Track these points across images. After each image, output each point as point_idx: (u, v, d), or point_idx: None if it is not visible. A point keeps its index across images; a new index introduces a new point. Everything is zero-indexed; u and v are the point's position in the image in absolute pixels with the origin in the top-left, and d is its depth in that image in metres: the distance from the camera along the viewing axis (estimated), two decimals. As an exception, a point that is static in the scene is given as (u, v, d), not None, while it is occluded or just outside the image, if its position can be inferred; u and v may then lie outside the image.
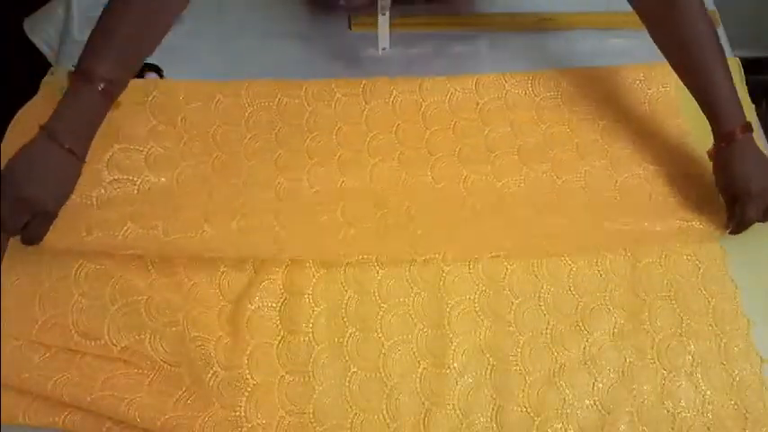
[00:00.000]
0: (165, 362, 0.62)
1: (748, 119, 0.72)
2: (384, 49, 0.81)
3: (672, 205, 0.76)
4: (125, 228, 0.64)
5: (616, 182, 0.77)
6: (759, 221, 0.71)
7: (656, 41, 0.74)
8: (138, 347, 0.62)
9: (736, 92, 0.71)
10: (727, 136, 0.70)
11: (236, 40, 0.83)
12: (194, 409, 0.61)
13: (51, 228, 0.62)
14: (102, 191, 0.69)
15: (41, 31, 0.83)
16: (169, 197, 0.70)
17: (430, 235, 0.70)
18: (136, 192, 0.70)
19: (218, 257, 0.67)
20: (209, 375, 0.62)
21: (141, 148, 0.72)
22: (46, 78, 0.76)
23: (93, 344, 0.62)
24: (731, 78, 0.71)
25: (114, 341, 0.62)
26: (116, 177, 0.70)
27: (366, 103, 0.79)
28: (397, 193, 0.74)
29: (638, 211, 0.74)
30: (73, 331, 0.62)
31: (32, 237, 0.61)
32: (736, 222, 0.71)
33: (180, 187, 0.71)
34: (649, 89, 0.84)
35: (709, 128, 0.73)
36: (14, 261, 0.65)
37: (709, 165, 0.75)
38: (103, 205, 0.68)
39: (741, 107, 0.71)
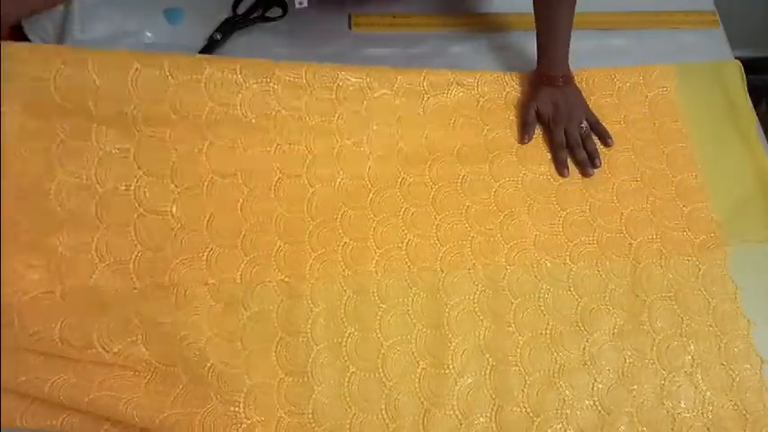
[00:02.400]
0: (159, 362, 0.62)
1: (746, 118, 0.75)
2: (301, 3, 0.79)
3: (668, 211, 0.76)
4: (136, 252, 0.65)
5: (613, 185, 0.77)
6: (564, 143, 0.78)
7: None
8: (131, 350, 0.61)
9: (568, 49, 0.79)
10: (550, 79, 0.79)
11: (235, 41, 0.83)
12: (193, 406, 0.61)
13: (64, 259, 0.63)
14: (99, 198, 0.65)
15: (41, 30, 0.82)
16: (167, 198, 0.68)
17: (426, 245, 0.71)
18: (135, 201, 0.66)
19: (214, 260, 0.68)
20: (206, 368, 0.62)
21: (129, 144, 0.67)
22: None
23: (83, 353, 0.61)
24: (570, 38, 0.78)
25: (106, 348, 0.61)
26: (108, 187, 0.66)
27: (370, 90, 0.76)
28: (396, 194, 0.74)
29: (635, 217, 0.75)
30: (59, 344, 0.60)
31: None
32: (551, 149, 0.78)
33: (176, 185, 0.68)
34: (649, 92, 0.83)
35: (709, 132, 0.77)
36: None
37: (707, 169, 0.77)
38: (107, 219, 0.65)
39: (567, 62, 0.80)
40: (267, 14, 0.85)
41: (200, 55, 0.75)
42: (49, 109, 0.63)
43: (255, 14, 0.85)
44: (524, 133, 0.78)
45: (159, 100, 0.66)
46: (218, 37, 0.82)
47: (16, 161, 0.62)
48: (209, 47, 0.81)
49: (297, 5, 0.79)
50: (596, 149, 0.78)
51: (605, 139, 0.79)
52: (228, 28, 0.83)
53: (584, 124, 0.79)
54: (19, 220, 0.62)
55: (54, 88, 0.63)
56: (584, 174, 0.77)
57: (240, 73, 0.70)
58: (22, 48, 0.64)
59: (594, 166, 0.77)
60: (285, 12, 0.86)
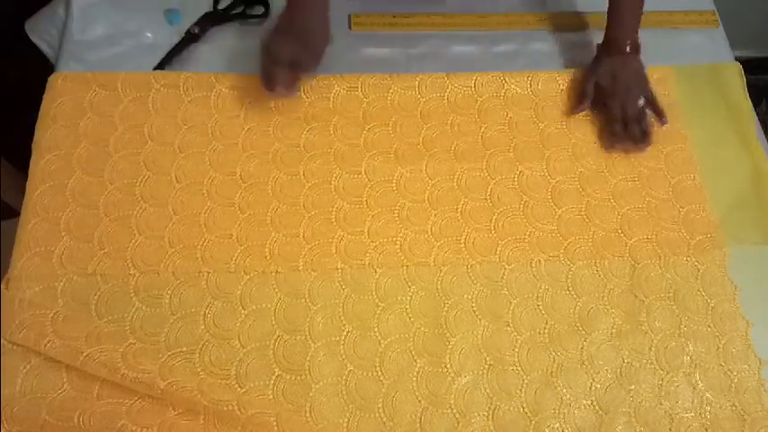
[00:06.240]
0: (156, 364, 0.62)
1: (746, 121, 0.76)
2: None
3: (664, 212, 0.76)
4: (133, 241, 0.68)
5: (610, 184, 0.77)
6: (617, 120, 0.78)
7: None
8: (119, 364, 0.62)
9: (640, 18, 0.79)
10: (617, 44, 0.79)
11: (235, 41, 0.84)
12: (191, 405, 0.61)
13: (65, 248, 0.67)
14: (106, 197, 0.71)
15: (42, 31, 0.83)
16: (168, 195, 0.71)
17: (420, 240, 0.71)
18: (137, 194, 0.71)
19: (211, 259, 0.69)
20: (203, 368, 0.63)
21: (139, 150, 0.73)
22: (53, 79, 0.76)
23: (76, 358, 0.62)
24: (642, 7, 0.79)
25: (94, 356, 0.61)
26: (117, 185, 0.71)
27: (364, 97, 0.79)
28: (391, 189, 0.74)
29: (631, 216, 0.75)
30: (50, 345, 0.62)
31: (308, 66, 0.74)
32: (606, 121, 0.79)
33: (178, 182, 0.72)
34: (648, 93, 0.84)
35: (709, 134, 0.79)
36: None
37: (705, 170, 0.78)
38: (110, 212, 0.70)
39: (637, 31, 0.79)
40: (249, 12, 0.85)
41: (210, 73, 0.79)
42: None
43: (236, 11, 0.85)
44: (579, 103, 0.79)
45: (173, 114, 0.76)
46: (197, 31, 0.81)
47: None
48: (186, 41, 0.81)
49: None
50: (650, 129, 0.78)
51: (661, 117, 0.79)
52: (207, 23, 0.83)
53: (642, 101, 0.78)
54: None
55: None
56: (639, 149, 0.78)
57: (243, 87, 0.78)
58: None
59: (645, 143, 0.78)
60: (267, 10, 0.85)
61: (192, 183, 0.72)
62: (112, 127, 0.74)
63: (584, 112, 0.81)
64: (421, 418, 0.63)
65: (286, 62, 0.72)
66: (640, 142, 0.77)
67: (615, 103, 0.78)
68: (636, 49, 0.79)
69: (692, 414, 0.66)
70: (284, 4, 0.72)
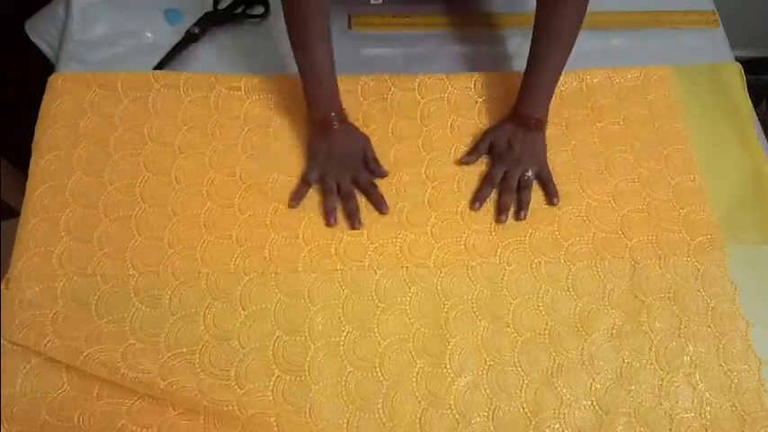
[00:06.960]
0: (156, 365, 0.62)
1: (746, 121, 0.76)
2: (376, 0, 0.82)
3: (664, 213, 0.75)
4: (133, 241, 0.69)
5: (610, 185, 0.77)
6: (495, 181, 0.75)
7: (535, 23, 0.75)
8: (119, 364, 0.62)
9: (551, 94, 0.76)
10: (522, 118, 0.76)
11: (235, 41, 0.84)
12: (190, 404, 0.62)
13: (65, 249, 0.67)
14: (106, 197, 0.71)
15: (42, 31, 0.83)
16: (168, 195, 0.72)
17: (420, 241, 0.71)
18: (137, 195, 0.71)
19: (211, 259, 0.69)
20: (203, 369, 0.63)
21: (139, 150, 0.74)
22: (53, 79, 0.77)
23: (76, 357, 0.62)
24: (556, 83, 0.76)
25: (94, 356, 0.62)
26: (116, 186, 0.72)
27: (364, 99, 0.79)
28: (391, 191, 0.74)
29: (631, 217, 0.75)
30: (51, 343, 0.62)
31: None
32: (482, 180, 0.76)
33: (178, 182, 0.73)
34: (649, 93, 0.83)
35: (709, 135, 0.79)
36: None
37: (705, 171, 0.78)
38: (110, 212, 0.70)
39: (547, 107, 0.76)
40: (249, 12, 0.85)
41: (210, 73, 0.79)
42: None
43: (236, 11, 0.85)
44: (468, 157, 0.76)
45: (173, 114, 0.76)
46: (197, 31, 0.82)
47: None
48: (186, 41, 0.81)
49: (372, 1, 0.82)
50: (528, 204, 0.74)
51: (551, 197, 0.74)
52: (208, 23, 0.83)
53: (529, 173, 0.75)
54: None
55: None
56: (496, 218, 0.73)
57: (244, 88, 0.78)
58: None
59: (518, 216, 0.74)
60: (267, 10, 0.85)
61: (191, 183, 0.72)
62: (112, 127, 0.74)
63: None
64: (421, 419, 0.63)
65: (350, 191, 0.73)
66: (504, 212, 0.73)
67: (497, 169, 0.75)
68: (540, 126, 0.76)
69: (692, 414, 0.65)
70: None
